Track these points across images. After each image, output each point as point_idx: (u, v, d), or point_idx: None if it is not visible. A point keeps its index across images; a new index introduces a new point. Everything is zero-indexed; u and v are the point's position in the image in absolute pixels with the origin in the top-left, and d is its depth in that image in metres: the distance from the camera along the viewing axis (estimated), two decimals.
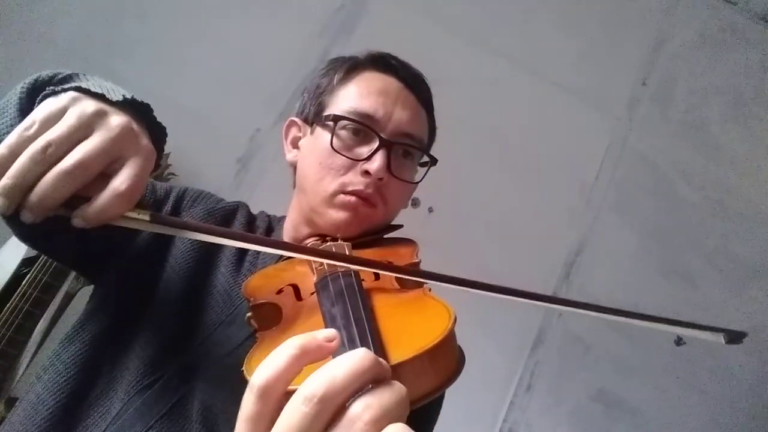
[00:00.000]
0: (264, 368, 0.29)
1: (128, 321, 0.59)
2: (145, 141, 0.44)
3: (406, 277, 0.49)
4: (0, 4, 1.39)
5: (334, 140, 0.66)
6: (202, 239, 0.41)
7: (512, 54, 1.63)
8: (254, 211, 0.80)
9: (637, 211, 1.58)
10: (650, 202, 1.60)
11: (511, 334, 1.41)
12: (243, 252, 0.70)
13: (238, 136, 1.45)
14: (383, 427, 0.25)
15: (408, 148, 0.69)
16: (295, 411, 0.26)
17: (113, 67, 1.42)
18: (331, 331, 0.30)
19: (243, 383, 0.32)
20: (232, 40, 1.49)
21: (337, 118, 0.66)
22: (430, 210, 1.45)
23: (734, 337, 0.38)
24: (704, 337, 0.40)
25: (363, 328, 0.36)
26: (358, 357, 0.28)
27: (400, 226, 0.71)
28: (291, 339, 0.29)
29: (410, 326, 0.38)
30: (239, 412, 0.29)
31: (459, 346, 0.35)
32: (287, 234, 0.75)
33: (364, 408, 0.26)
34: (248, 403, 0.28)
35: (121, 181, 0.40)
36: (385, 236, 0.70)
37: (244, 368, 0.36)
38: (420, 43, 1.54)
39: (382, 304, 0.42)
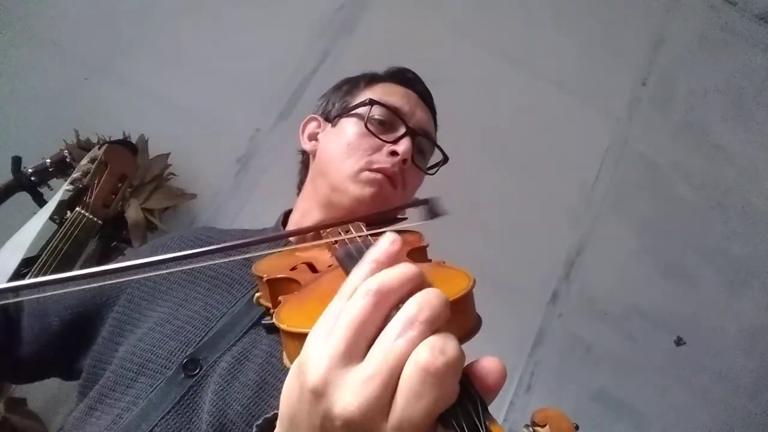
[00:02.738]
0: (352, 276, 0.31)
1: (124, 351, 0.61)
2: None
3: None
4: (0, 4, 1.40)
5: (363, 126, 0.72)
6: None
7: (512, 54, 1.63)
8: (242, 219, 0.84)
9: (637, 211, 1.58)
10: (650, 202, 1.60)
11: (511, 334, 1.41)
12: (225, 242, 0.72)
13: (238, 136, 1.45)
14: (435, 325, 0.27)
15: (427, 141, 0.79)
16: (354, 302, 0.28)
17: (113, 67, 1.42)
18: (392, 234, 0.33)
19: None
20: (232, 40, 1.49)
21: (373, 102, 0.73)
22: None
23: (432, 208, 0.39)
24: (419, 223, 0.41)
25: None
26: (407, 265, 0.30)
27: (405, 218, 0.74)
28: (368, 252, 0.32)
29: (436, 284, 0.40)
30: (321, 315, 0.30)
31: (477, 313, 0.37)
32: (292, 224, 0.77)
33: (418, 308, 0.27)
34: (335, 304, 0.30)
35: None
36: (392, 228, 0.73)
37: (275, 320, 0.38)
38: (420, 43, 1.54)
39: None
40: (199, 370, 0.55)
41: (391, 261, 0.31)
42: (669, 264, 1.55)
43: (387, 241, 0.32)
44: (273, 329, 0.56)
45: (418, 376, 0.25)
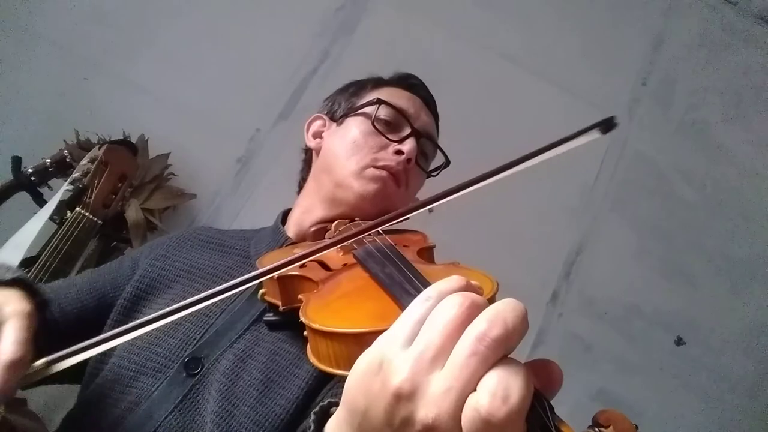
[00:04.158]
0: (442, 283, 0.30)
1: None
2: (10, 307, 0.43)
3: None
4: (0, 4, 1.40)
5: (370, 124, 0.73)
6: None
7: (512, 54, 1.63)
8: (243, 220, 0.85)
9: (637, 211, 1.58)
10: (650, 202, 1.59)
11: None
12: (224, 241, 0.73)
13: (238, 136, 1.45)
14: (508, 343, 0.26)
15: (430, 144, 0.80)
16: (448, 307, 0.28)
17: (113, 67, 1.42)
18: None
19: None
20: (232, 40, 1.49)
21: (381, 101, 0.74)
22: (430, 210, 1.45)
23: (605, 124, 0.38)
24: (583, 141, 0.40)
25: (423, 281, 0.38)
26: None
27: (406, 218, 0.74)
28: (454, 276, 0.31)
29: None
30: (402, 318, 0.29)
31: None
32: (292, 222, 0.77)
33: (488, 323, 0.27)
34: (419, 308, 0.29)
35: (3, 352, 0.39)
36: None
37: (303, 319, 0.38)
38: (420, 43, 1.54)
39: (423, 269, 0.44)
40: (201, 369, 0.55)
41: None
42: (669, 264, 1.55)
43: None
44: (276, 326, 0.55)
45: (477, 426, 0.24)
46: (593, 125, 0.38)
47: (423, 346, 0.27)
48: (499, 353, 0.26)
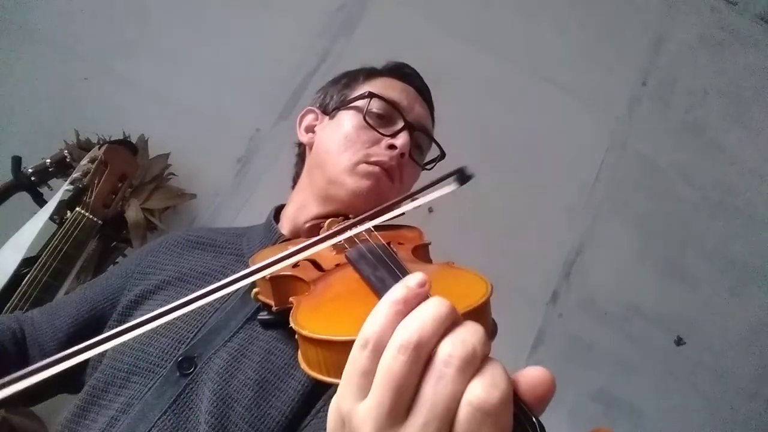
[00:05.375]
0: (370, 322, 0.28)
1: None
2: None
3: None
4: (0, 4, 1.40)
5: (361, 119, 0.72)
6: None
7: (512, 54, 1.63)
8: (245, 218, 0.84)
9: (637, 211, 1.58)
10: (650, 202, 1.59)
11: (511, 334, 1.41)
12: (215, 239, 0.73)
13: (238, 136, 1.45)
14: (474, 362, 0.25)
15: (425, 137, 0.78)
16: (392, 360, 0.25)
17: (113, 67, 1.42)
18: (420, 275, 0.29)
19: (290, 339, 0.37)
20: (232, 40, 1.49)
21: (372, 95, 0.72)
22: (430, 210, 1.45)
23: (460, 175, 0.37)
24: (442, 192, 0.39)
25: None
26: (439, 302, 0.27)
27: (402, 214, 0.74)
28: (388, 293, 0.28)
29: (452, 288, 0.39)
30: (346, 370, 0.28)
31: (493, 318, 0.36)
32: (286, 218, 0.76)
33: (452, 346, 0.25)
34: (359, 358, 0.27)
35: None
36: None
37: (293, 325, 0.37)
38: (420, 43, 1.54)
39: (417, 270, 0.43)
40: (194, 368, 0.55)
41: (419, 301, 0.28)
42: (669, 264, 1.55)
43: (414, 281, 0.29)
44: (270, 325, 0.55)
45: (474, 417, 0.24)
46: (448, 174, 0.38)
47: (377, 400, 0.25)
48: (466, 372, 0.25)
